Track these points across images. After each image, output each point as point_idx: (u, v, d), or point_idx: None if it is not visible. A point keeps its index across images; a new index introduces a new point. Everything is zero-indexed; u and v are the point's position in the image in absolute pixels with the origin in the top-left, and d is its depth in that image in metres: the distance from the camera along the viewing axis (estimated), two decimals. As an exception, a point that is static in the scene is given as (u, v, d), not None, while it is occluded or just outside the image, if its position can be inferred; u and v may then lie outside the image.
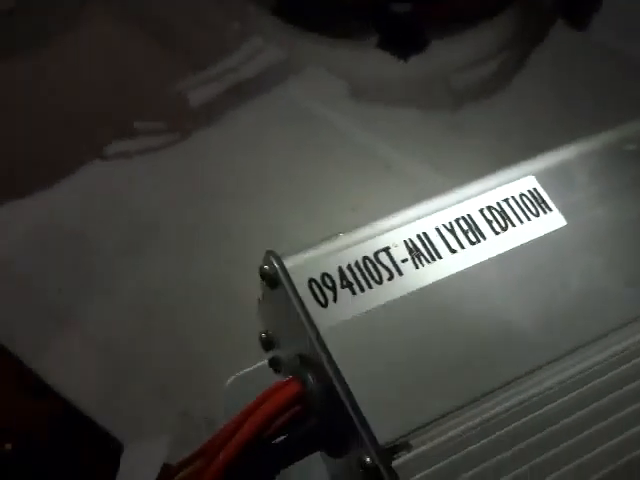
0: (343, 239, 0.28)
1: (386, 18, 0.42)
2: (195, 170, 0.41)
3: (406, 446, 0.24)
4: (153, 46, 0.44)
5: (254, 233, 0.37)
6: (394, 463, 0.23)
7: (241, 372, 0.35)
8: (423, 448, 0.24)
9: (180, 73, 0.44)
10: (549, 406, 0.25)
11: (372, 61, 0.44)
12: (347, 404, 0.24)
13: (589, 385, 0.25)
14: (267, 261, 0.27)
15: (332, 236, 0.28)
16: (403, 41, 0.42)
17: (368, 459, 0.23)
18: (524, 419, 0.25)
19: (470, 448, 0.24)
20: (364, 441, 0.24)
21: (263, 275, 0.27)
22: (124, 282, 0.36)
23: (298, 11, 0.44)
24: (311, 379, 0.26)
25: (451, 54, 0.43)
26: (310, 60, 0.44)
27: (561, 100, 0.37)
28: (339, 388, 0.24)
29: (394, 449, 0.24)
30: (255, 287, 0.30)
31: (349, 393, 0.24)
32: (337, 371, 0.25)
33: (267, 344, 0.33)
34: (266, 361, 0.34)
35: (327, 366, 0.25)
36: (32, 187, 0.37)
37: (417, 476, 0.23)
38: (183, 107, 0.42)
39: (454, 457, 0.24)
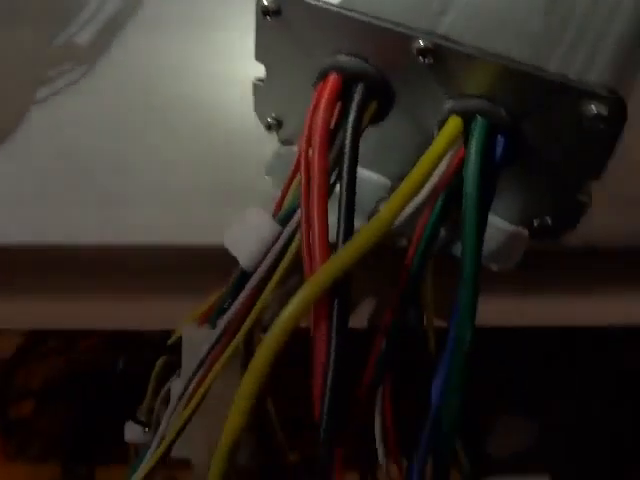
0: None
1: None
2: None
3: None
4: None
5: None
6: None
7: (266, 162, 0.37)
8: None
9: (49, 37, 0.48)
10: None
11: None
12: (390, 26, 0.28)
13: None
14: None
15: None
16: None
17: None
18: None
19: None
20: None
21: (265, 10, 0.30)
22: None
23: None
24: (342, 57, 0.30)
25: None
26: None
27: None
28: (367, 18, 0.28)
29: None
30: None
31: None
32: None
33: (277, 124, 0.36)
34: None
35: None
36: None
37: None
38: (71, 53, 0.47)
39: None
